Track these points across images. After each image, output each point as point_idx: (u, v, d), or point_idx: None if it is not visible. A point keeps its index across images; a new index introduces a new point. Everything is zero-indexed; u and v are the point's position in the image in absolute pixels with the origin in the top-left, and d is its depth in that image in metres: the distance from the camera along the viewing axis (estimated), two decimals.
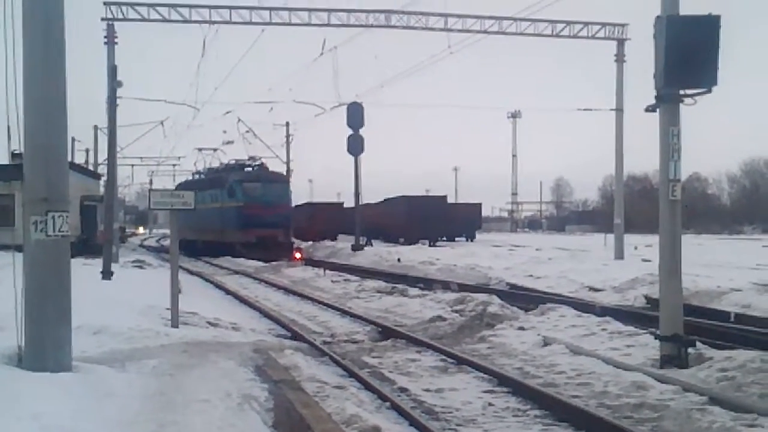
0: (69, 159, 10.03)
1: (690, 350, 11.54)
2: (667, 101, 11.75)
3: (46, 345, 8.75)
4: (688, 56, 11.21)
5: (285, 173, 54.24)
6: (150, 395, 8.58)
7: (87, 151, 65.51)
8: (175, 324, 14.29)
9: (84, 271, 22.93)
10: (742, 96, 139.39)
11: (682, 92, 11.71)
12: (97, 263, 26.05)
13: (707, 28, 11.33)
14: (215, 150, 59.10)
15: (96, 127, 56.37)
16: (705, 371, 10.81)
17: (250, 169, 50.80)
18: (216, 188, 48.55)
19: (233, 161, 53.65)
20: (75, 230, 36.25)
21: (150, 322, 14.13)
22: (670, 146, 11.75)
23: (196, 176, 59.74)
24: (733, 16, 12.53)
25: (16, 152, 9.83)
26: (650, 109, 11.99)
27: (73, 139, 57.18)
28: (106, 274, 24.49)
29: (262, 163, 51.84)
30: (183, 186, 55.71)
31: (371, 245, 47.27)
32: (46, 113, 8.90)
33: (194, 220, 43.36)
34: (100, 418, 7.24)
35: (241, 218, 43.77)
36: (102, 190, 52.30)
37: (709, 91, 11.53)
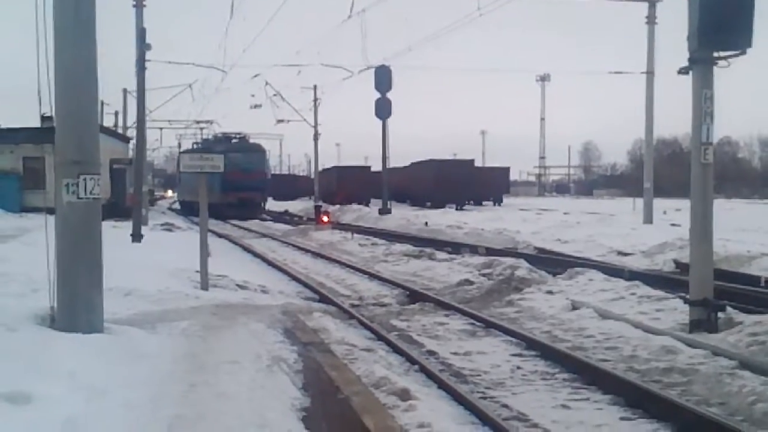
0: (99, 122, 10.06)
1: (720, 315, 11.49)
2: (700, 63, 11.61)
3: (78, 307, 8.83)
4: (723, 17, 11.03)
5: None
6: (181, 356, 8.65)
7: (116, 114, 65.71)
8: (204, 286, 14.39)
9: (114, 233, 23.08)
10: None
11: (715, 54, 11.55)
12: (127, 226, 26.23)
13: None
14: (211, 122, 66.00)
15: (125, 90, 56.48)
16: (735, 336, 10.77)
17: (236, 140, 56.81)
18: None
19: (221, 134, 59.54)
20: (105, 193, 36.51)
21: (180, 285, 14.23)
22: (703, 109, 11.62)
23: (195, 146, 62.99)
24: None
25: (46, 116, 9.85)
26: (683, 71, 11.84)
27: (102, 103, 57.25)
28: (136, 236, 24.67)
29: (244, 136, 58.36)
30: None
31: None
32: (76, 77, 8.91)
33: (192, 185, 47.33)
34: (132, 379, 7.32)
35: (223, 183, 47.61)
36: (131, 153, 52.63)
37: (744, 53, 11.36)
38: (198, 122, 67.64)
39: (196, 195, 53.32)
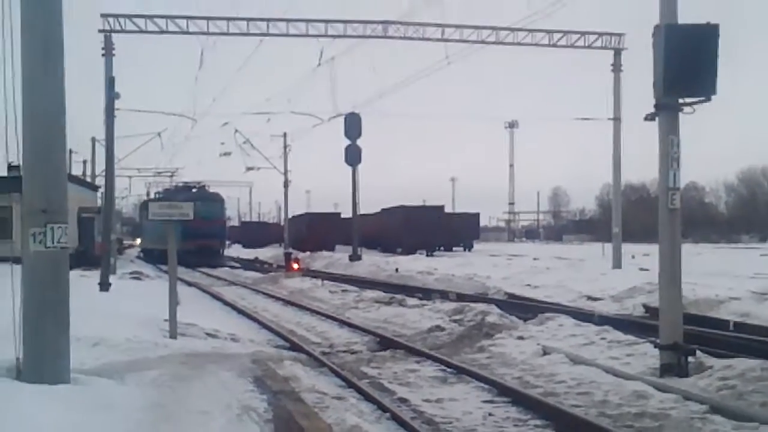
0: (67, 171, 10.01)
1: (690, 359, 11.51)
2: (666, 110, 11.76)
3: (44, 357, 8.72)
4: (687, 65, 11.22)
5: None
6: (149, 407, 8.54)
7: (84, 162, 65.40)
8: (173, 335, 14.26)
9: (82, 282, 22.86)
10: (738, 105, 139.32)
11: (681, 101, 11.72)
12: (95, 275, 26.00)
13: (706, 37, 11.33)
14: (175, 171, 68.11)
15: (93, 139, 56.27)
16: (705, 380, 10.79)
17: (194, 189, 57.58)
18: None
19: (181, 184, 61.27)
20: (73, 242, 36.20)
21: (148, 334, 14.08)
22: (670, 155, 11.75)
23: (156, 195, 65.44)
24: (732, 26, 12.55)
25: (13, 164, 9.81)
26: (649, 117, 11.99)
27: (71, 151, 56.96)
28: (104, 285, 24.43)
29: (203, 186, 59.92)
30: (145, 205, 63.89)
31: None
32: (44, 125, 8.89)
33: (155, 234, 52.10)
34: (99, 430, 7.21)
35: (184, 230, 47.62)
36: (99, 201, 52.32)
37: (709, 99, 11.54)
38: (160, 173, 68.53)
39: (158, 243, 55.72)
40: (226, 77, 59.82)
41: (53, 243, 8.78)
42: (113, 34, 37.26)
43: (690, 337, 12.36)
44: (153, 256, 57.62)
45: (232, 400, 9.10)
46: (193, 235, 49.21)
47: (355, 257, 47.83)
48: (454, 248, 74.52)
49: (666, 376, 11.26)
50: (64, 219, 9.01)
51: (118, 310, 16.64)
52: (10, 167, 15.63)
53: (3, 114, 8.55)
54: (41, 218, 8.76)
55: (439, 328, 17.38)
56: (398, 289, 27.49)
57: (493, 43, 39.41)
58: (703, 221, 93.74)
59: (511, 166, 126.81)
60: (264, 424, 8.28)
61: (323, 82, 39.75)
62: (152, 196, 65.87)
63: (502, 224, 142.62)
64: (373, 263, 43.48)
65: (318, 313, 21.91)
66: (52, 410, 7.47)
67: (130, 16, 37.25)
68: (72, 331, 9.14)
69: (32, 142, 8.85)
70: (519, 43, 39.73)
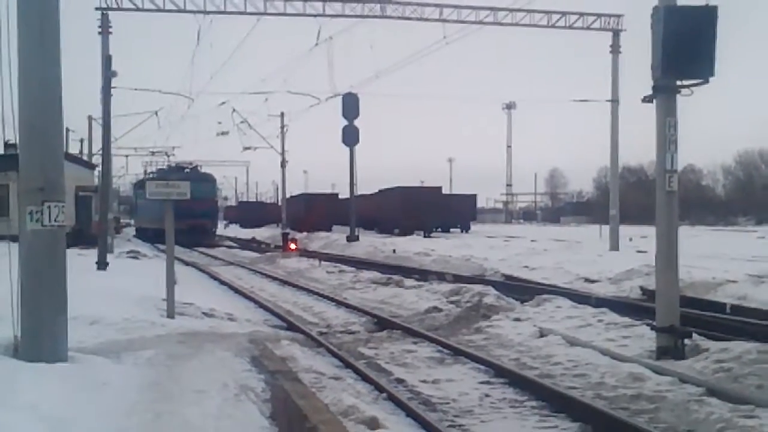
0: (64, 149, 9.98)
1: (686, 342, 11.54)
2: (664, 92, 11.74)
3: (42, 335, 8.72)
4: (686, 46, 11.20)
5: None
6: (146, 385, 8.55)
7: (81, 141, 65.33)
8: (170, 314, 14.26)
9: (79, 261, 22.83)
10: (736, 87, 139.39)
11: (679, 83, 11.69)
12: (92, 254, 25.97)
13: (705, 19, 11.29)
14: (171, 151, 68.27)
15: (90, 117, 56.16)
16: (701, 362, 10.81)
17: (187, 170, 58.60)
18: None
19: (174, 164, 62.32)
20: (70, 220, 36.17)
21: (146, 313, 14.10)
22: (667, 137, 11.74)
23: (151, 175, 65.28)
24: (730, 6, 12.48)
25: (10, 142, 9.77)
26: (647, 99, 11.97)
27: (68, 130, 56.88)
28: (102, 264, 24.45)
29: (196, 166, 61.36)
30: (139, 184, 67.27)
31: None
32: (41, 103, 8.86)
33: (149, 213, 56.15)
34: (96, 409, 7.22)
35: (176, 210, 48.87)
36: (97, 180, 52.28)
37: (706, 81, 11.52)
38: (153, 153, 68.43)
39: (152, 222, 57.24)
40: (224, 56, 59.62)
41: (50, 221, 8.77)
42: (110, 12, 37.11)
43: (687, 320, 12.40)
44: (147, 236, 58.26)
45: (229, 379, 9.11)
46: (186, 214, 49.87)
47: (352, 238, 47.84)
48: (451, 229, 74.53)
49: (662, 358, 11.29)
50: (61, 197, 9.00)
51: (115, 288, 16.63)
52: (6, 145, 15.59)
53: None
54: (38, 196, 8.74)
55: (436, 309, 17.41)
56: (395, 270, 27.52)
57: (492, 23, 39.31)
58: (701, 204, 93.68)
59: (509, 147, 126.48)
60: (261, 404, 8.30)
61: (321, 62, 39.72)
62: (150, 175, 65.66)
63: (500, 206, 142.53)
64: (371, 244, 43.50)
65: (315, 293, 21.93)
66: (49, 389, 7.48)
67: None
68: (69, 310, 9.15)
69: (29, 120, 8.81)
70: (517, 24, 39.63)
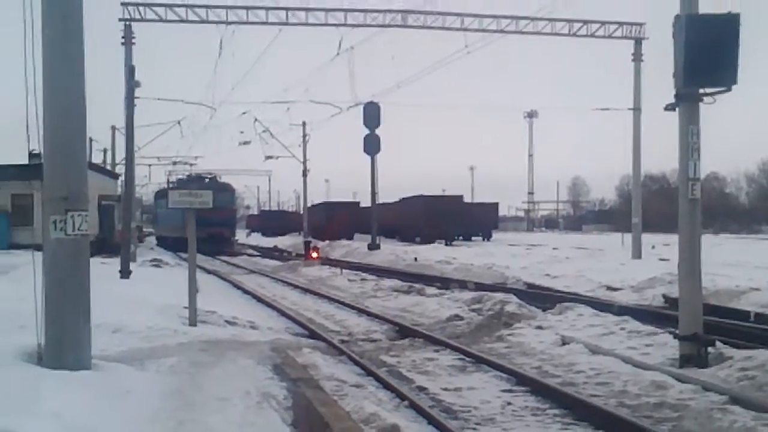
0: (87, 159, 10.05)
1: (710, 350, 11.48)
2: (686, 100, 11.70)
3: (65, 343, 8.77)
4: (708, 55, 11.16)
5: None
6: (169, 393, 8.59)
7: (105, 150, 65.89)
8: (193, 322, 14.33)
9: (102, 270, 22.95)
10: (760, 94, 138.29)
11: (701, 91, 11.65)
12: (115, 262, 26.13)
13: (727, 26, 11.26)
14: (175, 164, 69.18)
15: (113, 127, 56.64)
16: (725, 371, 10.75)
17: (207, 180, 59.07)
18: None
19: (194, 174, 62.71)
20: (93, 229, 36.44)
21: (168, 321, 14.17)
22: (690, 145, 11.69)
23: (171, 185, 66.21)
24: (753, 13, 12.45)
25: (34, 152, 9.84)
26: (670, 108, 11.94)
27: (91, 139, 57.32)
28: (125, 273, 24.56)
29: (214, 176, 61.87)
30: (161, 194, 67.77)
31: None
32: (65, 113, 8.92)
33: (169, 222, 57.12)
34: (119, 417, 7.26)
35: (195, 219, 50.18)
36: (119, 189, 52.68)
37: (729, 89, 11.47)
38: (176, 163, 68.67)
39: (171, 231, 58.14)
40: (246, 66, 59.84)
41: (74, 230, 8.83)
42: (133, 23, 37.36)
43: (710, 328, 12.32)
44: (167, 244, 58.97)
45: (252, 387, 9.14)
46: (205, 223, 50.84)
47: (373, 246, 47.87)
48: (472, 238, 74.47)
49: (685, 366, 11.23)
50: (85, 206, 9.06)
51: (138, 297, 16.72)
52: (31, 155, 15.64)
53: (24, 102, 8.59)
54: (62, 206, 8.80)
55: (457, 317, 17.39)
56: (417, 279, 27.49)
57: (513, 32, 39.29)
58: (724, 211, 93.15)
59: (531, 155, 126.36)
60: (283, 411, 8.32)
61: (342, 72, 39.77)
62: (171, 184, 66.16)
63: (522, 214, 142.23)
64: (392, 252, 43.49)
65: (337, 301, 21.94)
66: (72, 397, 7.52)
67: (150, 5, 37.34)
68: (93, 318, 9.20)
69: (53, 130, 8.88)
70: (539, 33, 39.61)
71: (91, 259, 9.43)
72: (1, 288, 16.75)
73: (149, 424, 7.24)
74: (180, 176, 68.30)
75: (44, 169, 9.00)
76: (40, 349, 8.83)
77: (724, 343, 12.08)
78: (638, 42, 39.75)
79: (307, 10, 37.80)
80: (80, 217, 8.89)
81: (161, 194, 72.44)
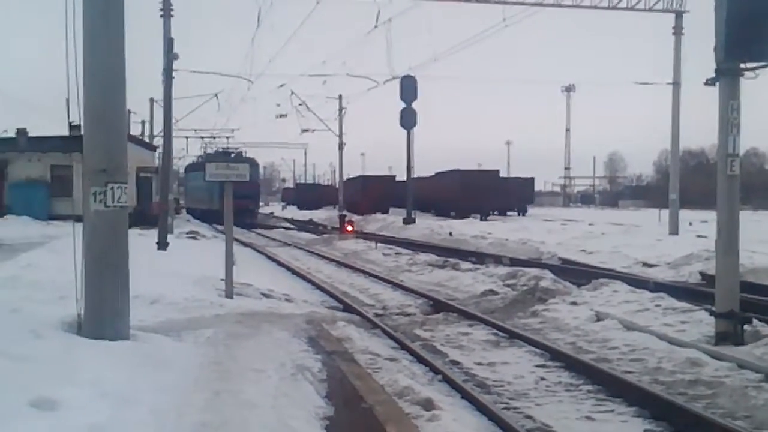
0: (126, 131, 10.14)
1: (746, 327, 11.41)
2: (727, 75, 11.56)
3: (104, 314, 8.90)
4: (750, 28, 11.00)
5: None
6: (206, 364, 8.69)
7: (143, 123, 66.23)
8: (229, 295, 14.44)
9: (140, 241, 23.18)
10: None
11: (742, 65, 11.50)
12: (153, 234, 26.35)
13: None
14: (214, 137, 69.18)
15: (152, 100, 56.88)
16: (761, 348, 10.69)
17: (233, 154, 57.93)
18: None
19: (221, 149, 62.57)
20: (131, 201, 36.77)
21: (205, 293, 14.30)
22: (729, 121, 11.56)
23: (200, 159, 67.29)
24: None
25: (74, 124, 9.95)
26: (710, 82, 11.80)
27: (130, 111, 57.75)
28: (162, 244, 24.78)
29: (240, 151, 61.82)
30: (191, 167, 70.49)
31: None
32: (105, 85, 8.99)
33: (198, 194, 59.67)
34: (157, 386, 7.35)
35: (220, 191, 50.31)
36: (157, 161, 53.03)
37: None
38: (215, 136, 69.07)
39: (198, 202, 60.42)
40: (283, 39, 59.89)
41: (113, 202, 8.92)
42: None
43: (746, 305, 12.26)
44: (195, 216, 60.01)
45: (287, 359, 9.22)
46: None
47: (409, 220, 47.92)
48: (508, 213, 74.14)
49: (721, 344, 11.17)
50: (124, 179, 9.15)
51: (175, 268, 16.90)
52: (71, 127, 15.86)
53: (64, 75, 8.66)
54: (101, 177, 8.89)
55: (492, 292, 17.41)
56: (451, 253, 27.50)
57: (552, 5, 38.86)
58: (764, 188, 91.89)
59: (568, 130, 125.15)
60: (318, 384, 8.39)
61: (379, 45, 39.72)
62: (199, 158, 66.85)
63: (557, 189, 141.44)
64: (427, 226, 43.49)
65: (371, 275, 22.03)
66: (111, 366, 7.63)
67: None
68: (131, 289, 9.32)
69: (93, 102, 8.96)
70: (578, 6, 39.13)
71: (129, 231, 9.54)
72: (41, 259, 16.98)
73: (186, 394, 7.33)
74: (209, 152, 68.80)
75: (84, 141, 9.09)
76: (80, 319, 8.96)
77: (761, 321, 11.98)
78: (679, 15, 39.17)
79: None
80: (119, 189, 8.98)
81: (191, 167, 73.11)
